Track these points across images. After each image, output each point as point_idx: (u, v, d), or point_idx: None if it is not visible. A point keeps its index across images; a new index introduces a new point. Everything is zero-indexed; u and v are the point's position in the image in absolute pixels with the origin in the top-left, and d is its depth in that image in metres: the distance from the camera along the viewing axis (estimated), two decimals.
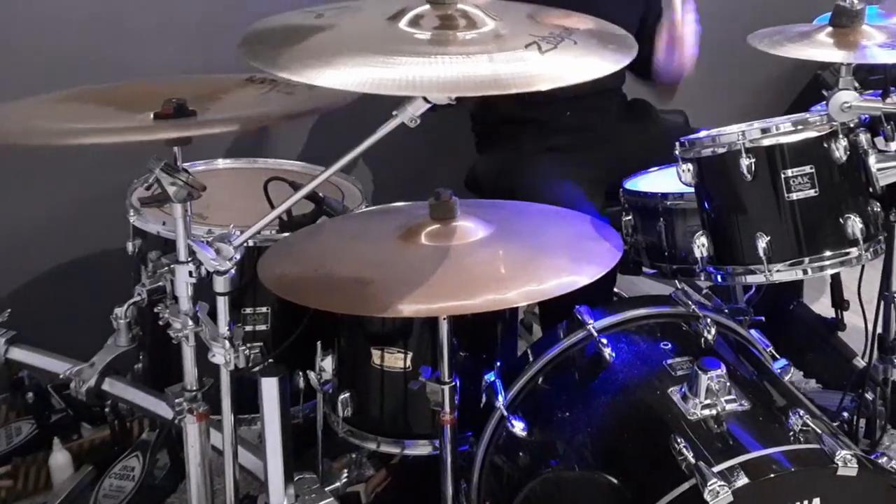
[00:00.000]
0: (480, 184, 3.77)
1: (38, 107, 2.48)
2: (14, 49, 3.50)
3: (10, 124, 2.38)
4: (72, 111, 2.46)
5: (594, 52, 2.17)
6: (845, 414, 3.25)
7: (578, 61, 2.09)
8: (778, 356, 2.80)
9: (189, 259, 2.30)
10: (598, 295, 2.82)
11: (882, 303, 3.15)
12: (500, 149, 3.76)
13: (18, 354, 3.17)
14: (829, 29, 2.76)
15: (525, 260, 2.51)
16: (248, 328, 2.90)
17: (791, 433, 2.32)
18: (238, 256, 2.23)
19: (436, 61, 2.01)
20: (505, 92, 1.93)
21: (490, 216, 2.63)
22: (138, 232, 3.06)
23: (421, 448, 2.82)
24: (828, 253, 2.73)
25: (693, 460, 2.22)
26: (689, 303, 2.79)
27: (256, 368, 2.35)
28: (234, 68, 2.52)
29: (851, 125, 2.74)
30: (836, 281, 3.61)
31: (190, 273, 2.31)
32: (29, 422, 3.47)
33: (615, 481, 2.40)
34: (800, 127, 2.72)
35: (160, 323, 2.42)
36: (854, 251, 2.73)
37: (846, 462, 2.19)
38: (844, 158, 2.70)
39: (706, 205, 2.82)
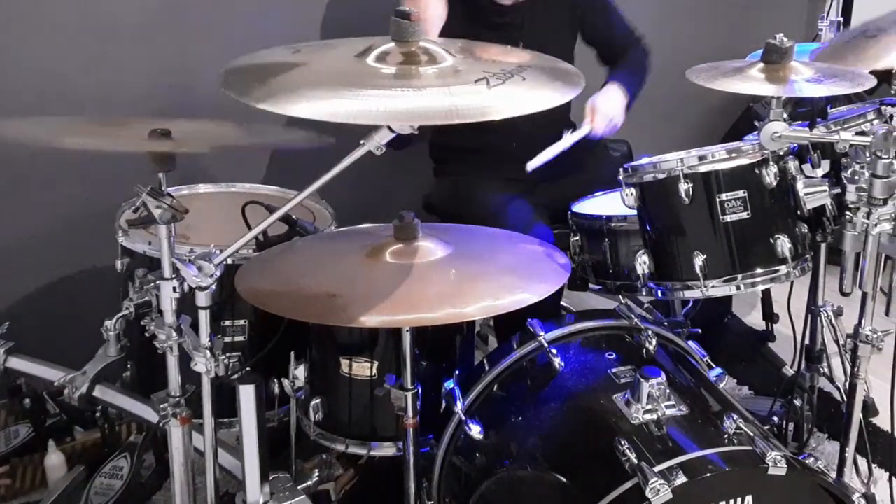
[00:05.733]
0: (436, 207, 3.76)
1: (42, 122, 2.51)
2: (13, 80, 3.49)
3: (16, 131, 2.41)
4: (72, 128, 2.51)
5: (543, 87, 2.16)
6: (775, 418, 3.27)
7: (528, 94, 2.08)
8: (713, 365, 2.80)
9: (173, 276, 2.29)
10: (546, 308, 2.81)
11: (809, 316, 3.17)
12: (454, 175, 3.76)
13: (16, 363, 3.14)
14: (761, 65, 2.78)
15: (480, 278, 2.50)
16: (228, 339, 2.87)
17: (726, 436, 2.33)
18: (218, 273, 2.22)
19: (399, 94, 2.00)
20: (461, 121, 1.92)
21: (449, 238, 2.62)
22: (126, 251, 3.05)
23: (386, 449, 2.82)
24: (759, 270, 2.74)
25: (635, 461, 2.22)
26: (632, 316, 2.79)
27: (235, 376, 2.34)
28: (219, 108, 2.52)
29: (781, 153, 2.76)
30: (766, 296, 3.63)
31: (174, 289, 2.30)
32: (26, 425, 3.44)
33: (564, 480, 2.41)
34: (734, 155, 2.74)
35: (146, 335, 2.41)
36: (783, 269, 2.74)
37: (776, 462, 2.19)
38: (775, 183, 2.72)
39: (648, 226, 2.83)
